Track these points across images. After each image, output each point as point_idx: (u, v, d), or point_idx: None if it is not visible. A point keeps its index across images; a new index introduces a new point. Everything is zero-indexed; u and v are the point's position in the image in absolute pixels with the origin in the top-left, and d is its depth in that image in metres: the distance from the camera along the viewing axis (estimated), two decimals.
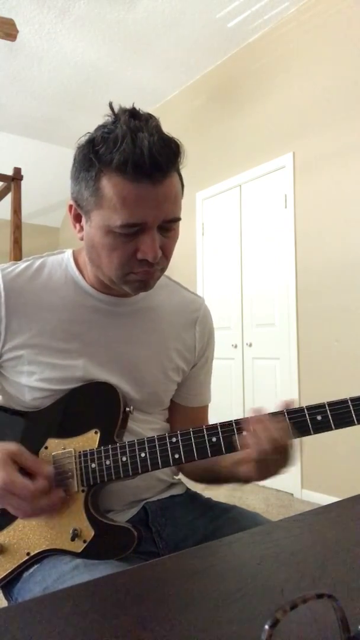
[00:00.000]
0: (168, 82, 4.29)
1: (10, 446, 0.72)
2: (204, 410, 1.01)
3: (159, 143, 0.69)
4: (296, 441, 0.73)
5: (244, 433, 0.72)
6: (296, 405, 0.73)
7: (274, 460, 0.72)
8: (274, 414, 0.72)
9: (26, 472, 0.72)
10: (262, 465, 0.72)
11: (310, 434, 0.70)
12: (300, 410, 0.70)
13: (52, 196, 6.05)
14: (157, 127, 0.72)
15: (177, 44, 3.75)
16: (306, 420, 0.70)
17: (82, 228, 0.80)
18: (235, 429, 0.72)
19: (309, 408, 0.70)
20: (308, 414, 0.70)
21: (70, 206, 0.80)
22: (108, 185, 0.71)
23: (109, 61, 3.96)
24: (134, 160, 0.68)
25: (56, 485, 0.77)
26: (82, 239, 0.81)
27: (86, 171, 0.73)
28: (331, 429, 0.69)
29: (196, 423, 0.75)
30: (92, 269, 0.83)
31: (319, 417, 0.69)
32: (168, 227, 0.76)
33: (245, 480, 0.78)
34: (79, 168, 0.74)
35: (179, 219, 0.77)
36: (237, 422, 0.73)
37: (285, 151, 3.43)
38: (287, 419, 0.71)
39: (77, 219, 0.80)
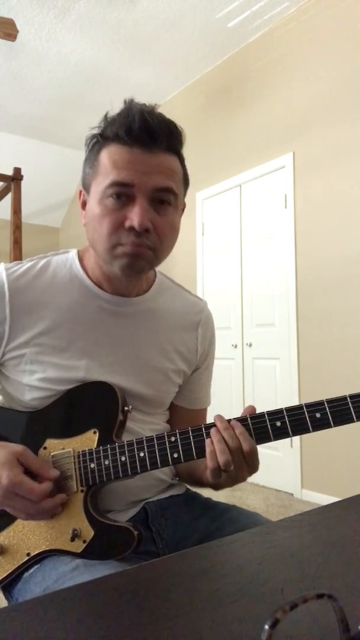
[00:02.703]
0: (168, 82, 4.29)
1: (16, 447, 0.73)
2: (203, 412, 1.01)
3: (152, 112, 0.75)
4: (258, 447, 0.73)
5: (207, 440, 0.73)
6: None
7: (229, 472, 0.72)
8: (239, 419, 0.73)
9: (30, 473, 0.72)
10: (217, 473, 0.73)
11: (310, 432, 0.70)
12: (299, 407, 0.70)
13: (52, 196, 6.05)
14: (156, 109, 0.77)
15: (177, 44, 3.75)
16: (305, 417, 0.70)
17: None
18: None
19: (308, 406, 0.70)
20: (307, 411, 0.70)
21: (80, 193, 0.84)
22: (105, 155, 0.76)
23: (109, 61, 3.96)
24: (127, 124, 0.74)
25: (56, 486, 0.77)
26: (85, 224, 0.83)
27: (91, 150, 0.79)
28: (330, 426, 0.69)
29: (194, 425, 0.75)
30: (93, 260, 0.85)
31: (317, 415, 0.69)
32: (161, 197, 0.77)
33: (213, 486, 0.79)
34: (87, 152, 0.80)
35: (172, 191, 0.77)
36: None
37: (285, 151, 3.43)
38: (251, 425, 0.72)
39: (84, 205, 0.83)
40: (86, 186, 0.81)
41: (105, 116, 0.78)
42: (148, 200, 0.75)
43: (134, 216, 0.74)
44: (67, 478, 0.77)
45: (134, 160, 0.74)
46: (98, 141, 0.78)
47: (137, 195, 0.75)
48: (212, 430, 0.72)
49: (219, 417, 0.74)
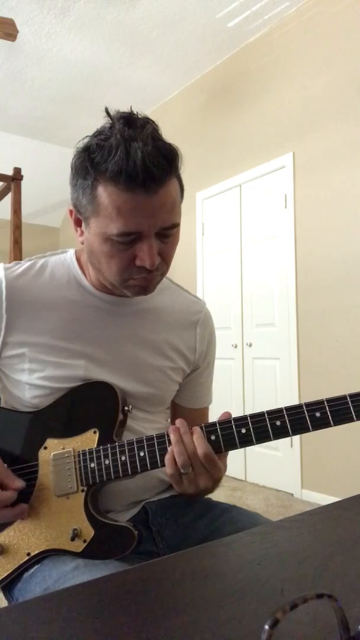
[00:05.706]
0: (168, 82, 4.28)
1: None
2: (205, 411, 1.01)
3: (152, 153, 0.68)
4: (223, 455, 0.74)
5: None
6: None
7: (187, 476, 0.73)
8: (207, 425, 0.74)
9: None
10: (177, 479, 0.73)
11: (309, 431, 0.70)
12: (299, 407, 0.71)
13: (52, 196, 6.04)
14: (153, 134, 0.71)
15: (177, 44, 3.75)
16: (305, 417, 0.70)
17: (82, 232, 0.80)
18: (234, 428, 0.72)
19: (308, 405, 0.70)
20: (307, 410, 0.70)
21: (71, 211, 0.81)
22: (104, 194, 0.71)
23: (109, 61, 3.96)
24: (127, 171, 0.68)
25: (55, 487, 0.77)
26: (82, 242, 0.81)
27: (83, 179, 0.73)
28: (330, 426, 0.69)
29: (197, 424, 0.75)
30: (93, 271, 0.84)
31: (317, 414, 0.70)
32: (166, 233, 0.76)
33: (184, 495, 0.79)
34: (76, 175, 0.75)
35: (177, 225, 0.76)
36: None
37: (285, 151, 3.43)
38: (215, 433, 0.72)
39: (78, 223, 0.81)
40: (82, 214, 0.77)
41: (98, 145, 0.70)
42: (154, 236, 0.74)
43: (145, 257, 0.73)
44: (68, 477, 0.77)
45: (138, 207, 0.70)
46: (89, 172, 0.71)
47: (144, 235, 0.73)
48: (171, 433, 0.73)
49: (181, 421, 0.75)
